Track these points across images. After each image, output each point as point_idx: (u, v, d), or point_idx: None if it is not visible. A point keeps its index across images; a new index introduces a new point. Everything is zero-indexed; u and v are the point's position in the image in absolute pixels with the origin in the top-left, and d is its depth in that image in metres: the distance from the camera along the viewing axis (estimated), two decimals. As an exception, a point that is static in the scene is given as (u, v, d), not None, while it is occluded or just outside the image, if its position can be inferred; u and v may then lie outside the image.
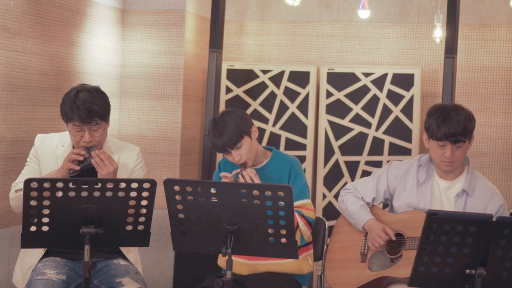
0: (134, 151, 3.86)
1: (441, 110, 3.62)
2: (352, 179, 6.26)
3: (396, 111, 6.26)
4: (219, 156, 6.15)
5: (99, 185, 3.18)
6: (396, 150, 6.25)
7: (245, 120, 3.72)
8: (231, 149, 3.68)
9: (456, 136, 3.56)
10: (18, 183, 3.67)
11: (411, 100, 6.23)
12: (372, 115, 6.30)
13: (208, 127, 3.74)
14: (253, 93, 6.47)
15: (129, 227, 3.28)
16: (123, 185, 3.21)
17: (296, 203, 3.66)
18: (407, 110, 6.24)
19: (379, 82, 6.29)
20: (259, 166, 3.78)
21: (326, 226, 4.05)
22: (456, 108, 3.62)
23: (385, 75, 6.29)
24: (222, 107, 6.38)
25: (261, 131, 6.41)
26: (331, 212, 6.24)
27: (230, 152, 3.69)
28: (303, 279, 3.84)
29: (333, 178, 6.34)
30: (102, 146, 3.74)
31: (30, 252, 3.66)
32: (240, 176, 3.64)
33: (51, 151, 3.76)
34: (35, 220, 3.17)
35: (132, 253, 3.77)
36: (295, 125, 6.41)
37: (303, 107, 6.39)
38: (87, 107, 3.60)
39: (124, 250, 3.74)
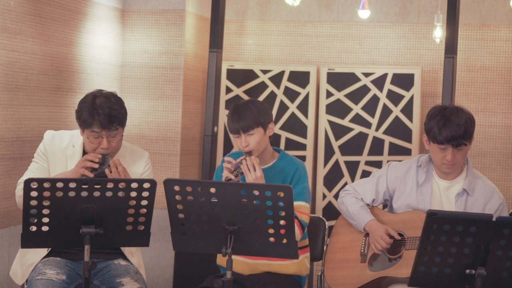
0: (143, 156, 3.83)
1: (441, 114, 3.61)
2: (352, 179, 6.26)
3: (396, 111, 6.25)
4: (219, 157, 6.15)
5: (99, 185, 3.18)
6: (396, 150, 6.24)
7: (266, 113, 3.73)
8: (242, 133, 3.68)
9: (457, 140, 3.57)
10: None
11: (411, 100, 6.22)
12: (372, 115, 6.30)
13: (231, 107, 3.76)
14: (253, 93, 6.46)
15: (129, 227, 3.28)
16: (123, 185, 3.21)
17: None
18: (407, 110, 6.24)
19: (379, 82, 6.29)
20: (266, 166, 3.76)
21: (326, 226, 4.04)
22: (457, 110, 3.62)
23: (385, 75, 6.28)
24: (222, 107, 6.38)
25: (261, 131, 6.39)
26: (331, 212, 6.23)
27: (241, 135, 3.68)
28: (301, 281, 3.83)
29: (333, 178, 6.34)
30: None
31: (31, 250, 3.64)
32: (243, 161, 3.62)
33: (61, 151, 3.71)
34: (35, 220, 3.17)
35: (135, 257, 3.75)
36: (295, 125, 6.40)
37: (303, 107, 6.39)
38: (107, 112, 3.56)
39: (127, 253, 3.72)
